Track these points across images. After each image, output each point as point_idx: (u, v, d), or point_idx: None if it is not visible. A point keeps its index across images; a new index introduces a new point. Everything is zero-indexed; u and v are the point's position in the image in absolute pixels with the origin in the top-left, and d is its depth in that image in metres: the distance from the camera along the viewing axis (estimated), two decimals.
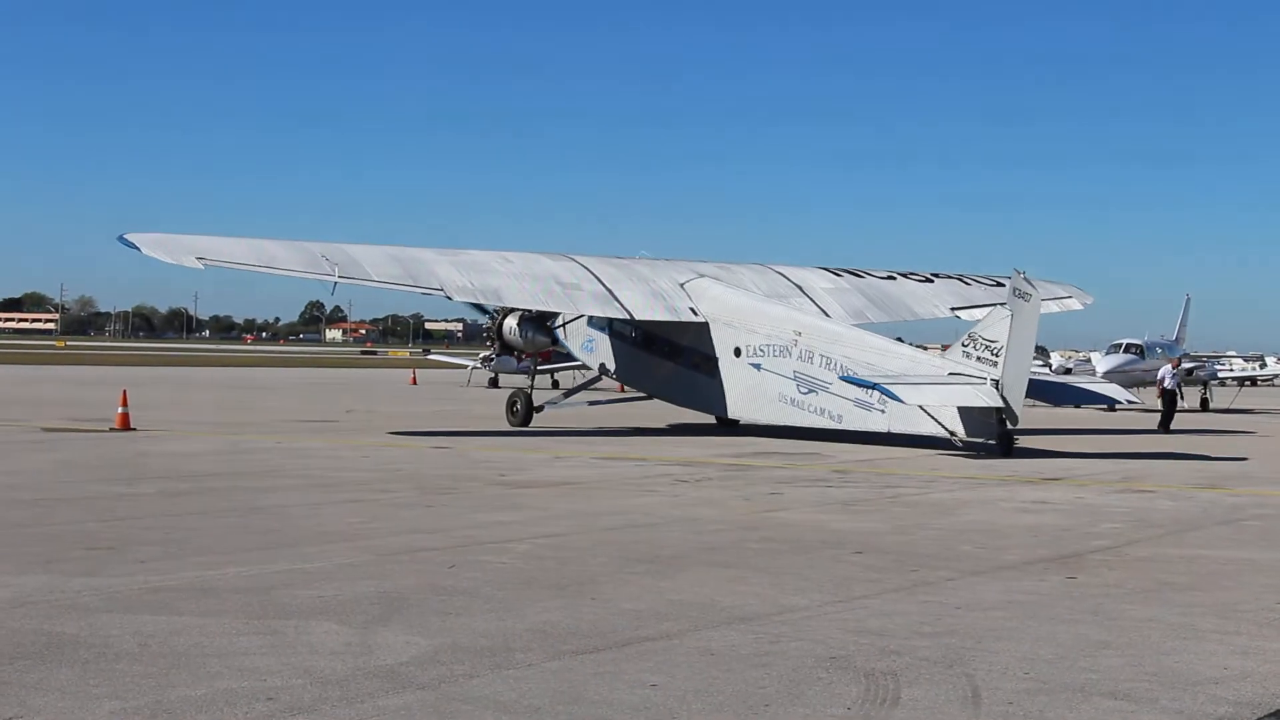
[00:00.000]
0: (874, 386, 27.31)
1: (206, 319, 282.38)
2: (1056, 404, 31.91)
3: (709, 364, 31.25)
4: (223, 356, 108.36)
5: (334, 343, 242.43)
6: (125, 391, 28.73)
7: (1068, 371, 53.19)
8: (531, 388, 33.45)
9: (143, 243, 28.36)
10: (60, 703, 7.39)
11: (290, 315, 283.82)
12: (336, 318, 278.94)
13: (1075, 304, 38.37)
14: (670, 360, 32.34)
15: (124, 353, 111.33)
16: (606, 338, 33.67)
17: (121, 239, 28.59)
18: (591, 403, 34.58)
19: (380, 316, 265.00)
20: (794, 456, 25.10)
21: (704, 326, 31.38)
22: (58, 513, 15.06)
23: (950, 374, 27.15)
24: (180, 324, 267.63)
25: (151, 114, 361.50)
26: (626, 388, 34.72)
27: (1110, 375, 49.74)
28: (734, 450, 26.15)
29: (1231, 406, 51.02)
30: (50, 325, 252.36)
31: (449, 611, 9.94)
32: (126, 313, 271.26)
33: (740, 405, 30.93)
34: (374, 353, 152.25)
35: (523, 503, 16.96)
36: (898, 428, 27.82)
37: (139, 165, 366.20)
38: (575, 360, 36.65)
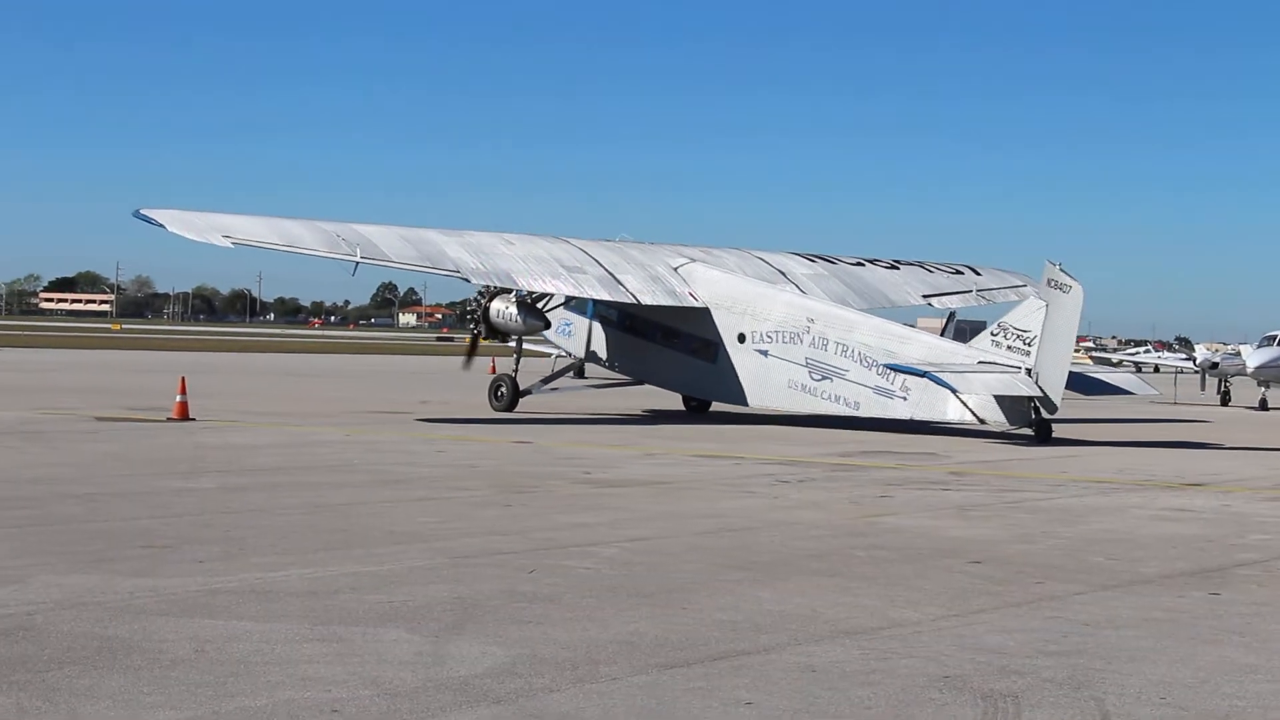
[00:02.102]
0: (924, 374, 29.21)
1: (271, 301, 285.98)
2: (1087, 394, 33.81)
3: (708, 349, 33.08)
4: (288, 341, 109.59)
5: (407, 327, 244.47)
6: (184, 379, 29.13)
7: (1214, 366, 52.38)
8: (516, 371, 34.46)
9: (166, 219, 29.47)
10: (112, 711, 7.52)
11: (361, 298, 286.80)
12: (410, 301, 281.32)
13: (1030, 292, 39.89)
14: (666, 346, 33.98)
15: (183, 337, 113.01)
16: (590, 322, 35.13)
17: (139, 214, 29.56)
18: (596, 386, 36.23)
19: (457, 300, 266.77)
20: (905, 456, 24.98)
21: (704, 312, 33.13)
22: (111, 508, 15.33)
23: (980, 362, 29.07)
24: (243, 306, 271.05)
25: (200, 92, 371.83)
26: (616, 373, 36.11)
27: (1263, 370, 48.96)
28: (839, 449, 26.07)
29: None
30: (105, 307, 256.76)
31: (528, 620, 10.00)
32: (186, 294, 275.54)
33: (744, 391, 32.60)
34: (451, 339, 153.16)
35: (609, 503, 17.01)
36: (921, 414, 29.87)
37: (193, 138, 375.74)
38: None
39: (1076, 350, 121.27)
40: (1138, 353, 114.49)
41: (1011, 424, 28.94)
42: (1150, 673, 9.01)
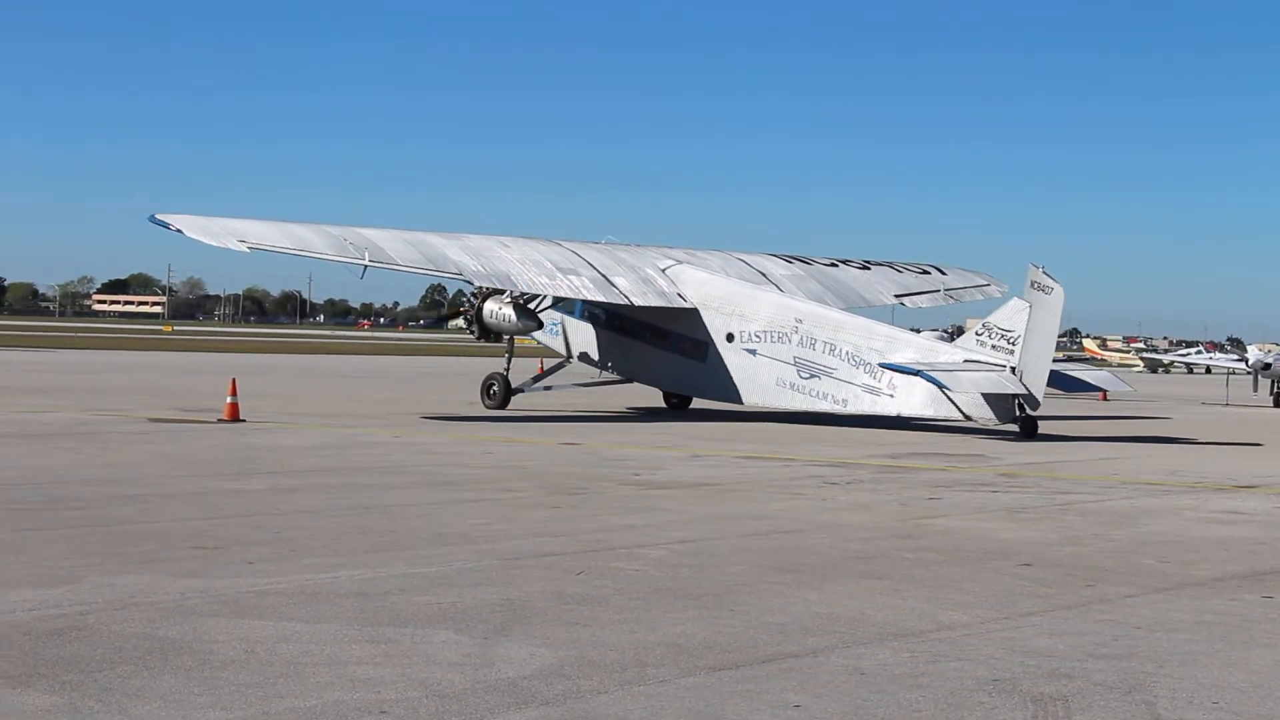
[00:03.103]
0: (917, 373, 30.41)
1: (321, 303, 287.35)
2: (1067, 392, 35.03)
3: (697, 349, 34.24)
4: (338, 343, 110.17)
5: (458, 329, 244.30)
6: (234, 380, 29.32)
7: (1267, 366, 52.05)
8: (508, 369, 35.33)
9: (183, 225, 30.34)
10: (163, 711, 7.57)
11: (410, 299, 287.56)
12: (460, 303, 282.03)
13: (995, 291, 42.64)
14: (656, 346, 35.07)
15: (233, 338, 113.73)
16: (579, 323, 36.17)
17: (154, 219, 30.56)
18: (583, 385, 37.14)
19: None
20: (955, 458, 24.87)
21: (694, 312, 34.28)
22: (162, 509, 15.43)
23: (965, 361, 30.52)
24: (293, 308, 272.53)
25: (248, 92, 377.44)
26: (605, 371, 36.95)
27: None
28: (888, 450, 25.98)
29: None
30: (157, 308, 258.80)
31: (576, 622, 10.00)
32: (237, 296, 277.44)
33: (733, 390, 33.71)
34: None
35: (658, 505, 17.00)
36: (909, 411, 31.11)
37: (245, 136, 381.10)
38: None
39: (1126, 350, 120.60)
40: (1189, 353, 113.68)
41: (999, 421, 30.20)
42: (1203, 676, 8.93)
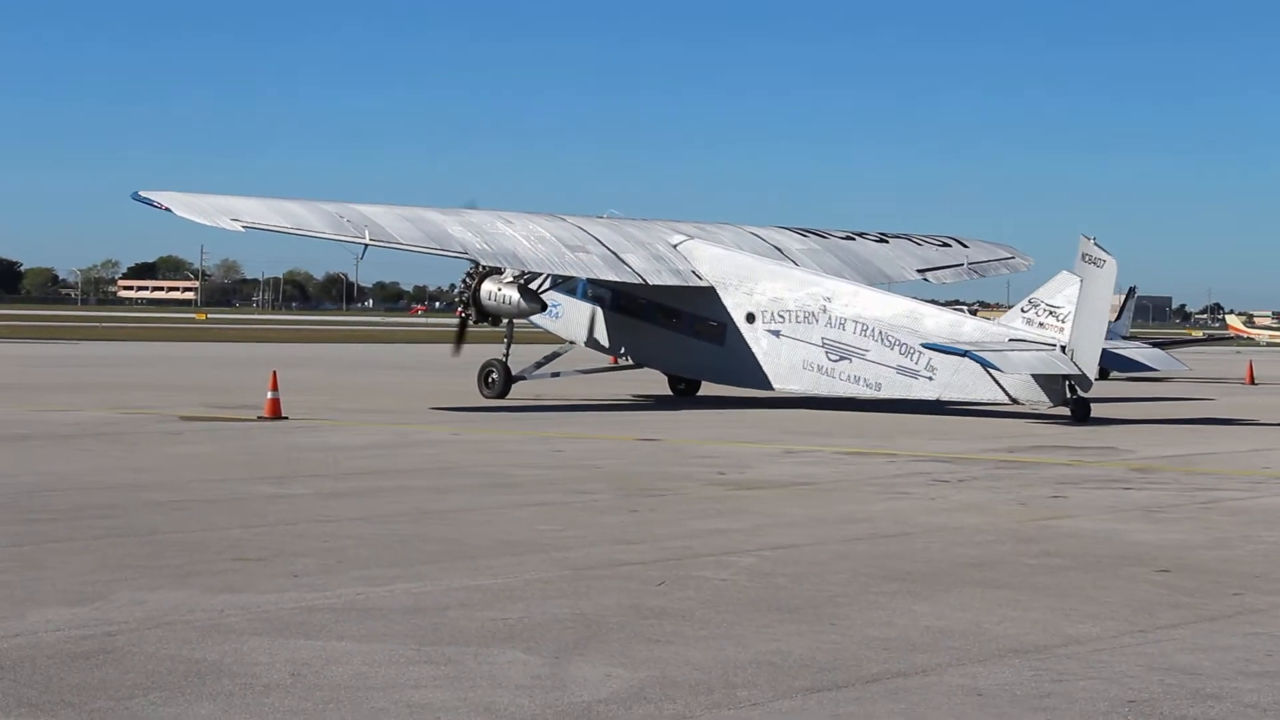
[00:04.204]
0: (964, 353, 30.79)
1: (370, 286, 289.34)
2: (1124, 371, 36.13)
3: (714, 330, 34.68)
4: (389, 331, 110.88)
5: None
6: (275, 373, 29.53)
7: None
8: (507, 356, 35.80)
9: (171, 202, 31.08)
10: None
11: None
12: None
13: (1020, 264, 43.84)
14: (670, 328, 35.52)
15: (274, 327, 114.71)
16: (584, 304, 36.58)
17: (137, 197, 31.29)
18: (586, 371, 37.77)
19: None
20: (1081, 451, 24.72)
21: (710, 291, 34.66)
22: (198, 517, 15.58)
23: (1010, 340, 30.97)
24: (339, 292, 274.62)
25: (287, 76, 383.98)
26: (616, 357, 37.46)
27: None
28: (1005, 444, 25.85)
29: None
30: (189, 295, 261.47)
31: (657, 638, 10.02)
32: (277, 279, 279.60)
33: (756, 374, 34.10)
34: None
35: (747, 507, 17.00)
36: (950, 395, 31.84)
37: (274, 109, 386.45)
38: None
39: (1277, 328, 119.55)
40: None
41: (1050, 403, 30.81)
42: None
